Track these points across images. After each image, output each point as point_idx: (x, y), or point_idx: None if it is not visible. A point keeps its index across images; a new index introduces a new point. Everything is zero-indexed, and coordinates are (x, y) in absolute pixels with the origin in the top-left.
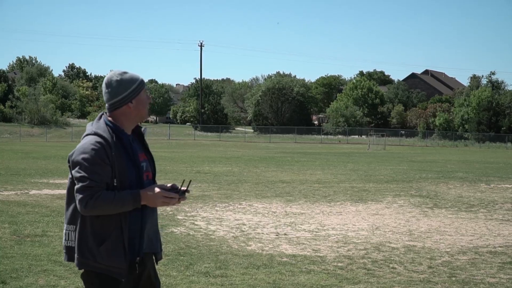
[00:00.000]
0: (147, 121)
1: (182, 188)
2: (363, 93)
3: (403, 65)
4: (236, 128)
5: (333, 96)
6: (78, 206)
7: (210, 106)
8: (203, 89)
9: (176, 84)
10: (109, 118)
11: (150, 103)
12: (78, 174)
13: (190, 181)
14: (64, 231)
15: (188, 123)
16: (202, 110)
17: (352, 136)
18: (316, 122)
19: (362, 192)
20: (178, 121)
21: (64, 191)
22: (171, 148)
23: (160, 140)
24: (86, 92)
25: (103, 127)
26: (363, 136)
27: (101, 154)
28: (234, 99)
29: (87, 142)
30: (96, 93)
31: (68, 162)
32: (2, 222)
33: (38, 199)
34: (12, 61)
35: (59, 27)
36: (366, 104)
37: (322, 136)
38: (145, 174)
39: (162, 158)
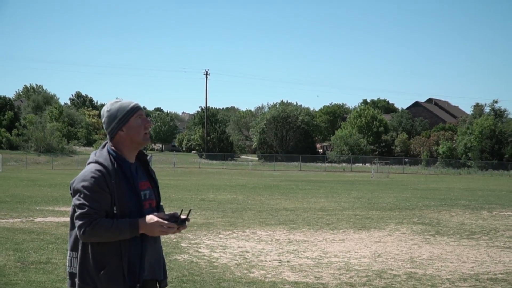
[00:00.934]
0: (152, 149)
1: (182, 217)
2: (367, 121)
3: (407, 93)
4: (241, 156)
5: (337, 125)
6: (77, 232)
7: (216, 134)
8: (209, 117)
9: (182, 113)
10: (112, 147)
11: (148, 127)
12: (78, 202)
13: (190, 210)
14: (67, 257)
15: (194, 151)
16: (208, 138)
17: (356, 164)
18: (320, 150)
19: (365, 220)
20: (184, 149)
21: (69, 219)
22: (176, 176)
23: (166, 168)
24: (92, 120)
25: (105, 156)
26: (367, 164)
27: (100, 182)
28: (239, 127)
29: (87, 170)
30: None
31: (70, 189)
32: (7, 249)
33: (43, 226)
34: (19, 89)
35: (66, 56)
36: (370, 132)
37: (327, 164)
38: (147, 202)
39: (167, 186)
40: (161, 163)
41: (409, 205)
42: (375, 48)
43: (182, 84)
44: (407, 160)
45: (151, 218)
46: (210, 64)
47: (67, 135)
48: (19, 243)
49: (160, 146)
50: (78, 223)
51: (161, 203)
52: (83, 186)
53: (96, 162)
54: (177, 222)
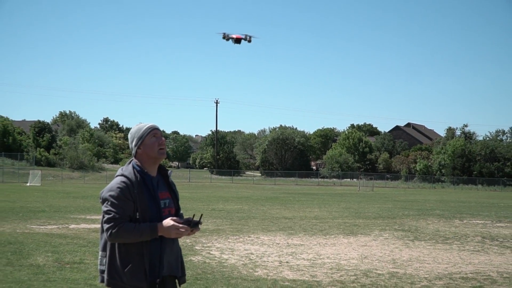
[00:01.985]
0: (170, 166)
1: (194, 220)
2: (354, 142)
3: (389, 118)
4: (246, 172)
5: (328, 145)
6: (105, 234)
7: (224, 154)
8: (218, 139)
9: (196, 135)
10: (136, 163)
11: (162, 144)
12: (105, 208)
13: (202, 214)
14: (99, 257)
15: (205, 168)
16: (218, 157)
17: (345, 179)
18: (314, 167)
19: (353, 227)
20: (197, 166)
21: (99, 226)
22: (191, 189)
23: (182, 182)
24: (119, 142)
25: (130, 170)
26: (354, 179)
27: (124, 192)
28: (244, 147)
29: (114, 182)
30: (127, 142)
31: (100, 198)
32: (46, 251)
33: (77, 232)
34: (55, 115)
35: (96, 85)
36: (356, 152)
37: (320, 179)
38: (167, 210)
39: (183, 198)
40: (178, 178)
41: (391, 214)
42: (361, 79)
43: (195, 110)
44: (388, 176)
45: (168, 222)
46: (220, 93)
47: (97, 154)
48: (56, 246)
49: (177, 164)
50: (105, 226)
51: (181, 212)
52: (110, 195)
53: (122, 175)
54: (190, 225)
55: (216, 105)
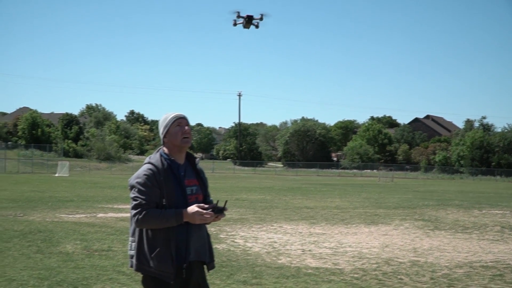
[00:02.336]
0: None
1: (219, 206)
2: (374, 134)
3: (408, 111)
4: (268, 163)
5: (349, 137)
6: (132, 220)
7: (247, 145)
8: (241, 131)
9: (219, 127)
10: (165, 151)
11: (186, 132)
12: (132, 195)
13: (226, 201)
14: (129, 242)
15: (229, 159)
16: (241, 149)
17: (365, 170)
18: (335, 159)
19: (374, 217)
20: (220, 157)
21: (126, 215)
22: (215, 180)
23: (206, 173)
24: (144, 133)
25: (157, 158)
26: (374, 170)
27: (151, 178)
28: (266, 139)
29: (141, 169)
30: (152, 134)
31: (128, 185)
32: (75, 239)
33: (105, 221)
34: (82, 108)
35: (121, 78)
36: (376, 144)
37: (340, 170)
38: (194, 196)
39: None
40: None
41: (411, 205)
42: (381, 72)
43: (219, 103)
44: (408, 167)
45: (192, 208)
46: (242, 86)
47: (123, 145)
48: (85, 234)
49: (201, 155)
50: (132, 212)
51: (210, 198)
52: (137, 182)
53: (149, 162)
54: (214, 211)
55: (239, 98)
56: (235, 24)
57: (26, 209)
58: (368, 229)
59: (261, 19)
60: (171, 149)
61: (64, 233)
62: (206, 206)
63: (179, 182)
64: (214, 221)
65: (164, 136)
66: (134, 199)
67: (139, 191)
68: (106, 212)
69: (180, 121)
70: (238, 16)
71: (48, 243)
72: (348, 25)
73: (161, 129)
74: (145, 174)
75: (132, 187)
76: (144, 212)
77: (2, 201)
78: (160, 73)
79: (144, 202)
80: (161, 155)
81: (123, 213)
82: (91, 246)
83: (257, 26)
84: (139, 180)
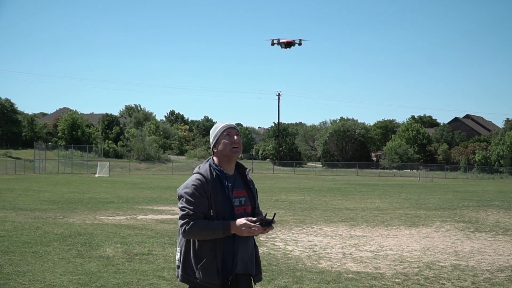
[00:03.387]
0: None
1: (267, 219)
2: (413, 134)
3: (448, 110)
4: (307, 163)
5: (388, 137)
6: (179, 230)
7: (286, 145)
8: (281, 131)
9: (258, 127)
10: (214, 161)
11: (235, 142)
12: (180, 205)
13: (275, 214)
14: (176, 252)
15: (268, 159)
16: (280, 149)
17: (405, 170)
18: (374, 159)
19: (414, 218)
20: (259, 157)
21: (166, 217)
22: (254, 180)
23: None
24: (184, 134)
25: (206, 168)
26: (414, 170)
27: (199, 189)
28: (306, 139)
29: (190, 179)
30: (192, 134)
31: (177, 195)
32: (115, 242)
33: (145, 223)
34: (122, 108)
35: (161, 79)
36: (416, 144)
37: (380, 170)
38: (242, 208)
39: None
40: None
41: (451, 206)
42: (421, 71)
43: (258, 103)
44: (448, 167)
45: (240, 220)
46: (281, 86)
47: (163, 146)
48: (125, 237)
49: (240, 155)
50: (180, 222)
51: (259, 210)
52: (185, 192)
53: (198, 173)
54: (262, 224)
55: (278, 98)
56: (272, 44)
57: (66, 211)
58: (408, 231)
59: (299, 44)
60: (221, 159)
61: (104, 236)
62: (254, 218)
63: (226, 193)
64: (262, 233)
65: (214, 146)
66: (182, 209)
67: (187, 201)
68: (146, 213)
69: (229, 131)
70: (278, 43)
71: (88, 247)
72: (388, 25)
73: (211, 138)
74: (193, 185)
75: (180, 197)
76: (191, 223)
77: (42, 203)
78: (199, 73)
79: (191, 212)
80: (210, 165)
81: (163, 214)
82: (132, 249)
83: (299, 44)
84: (187, 190)
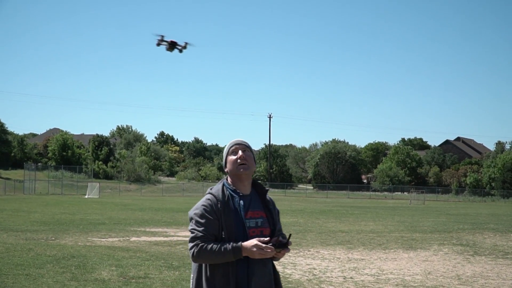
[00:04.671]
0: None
1: (281, 240)
2: (403, 157)
3: (439, 133)
4: (298, 185)
5: (379, 159)
6: (189, 254)
7: (277, 167)
8: (271, 153)
9: None
10: (228, 181)
11: (241, 158)
12: (190, 227)
13: (290, 234)
14: (190, 279)
15: (259, 181)
16: (271, 170)
17: (396, 193)
18: (365, 181)
19: (411, 241)
20: None
21: (159, 239)
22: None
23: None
24: (174, 155)
25: (218, 187)
26: (405, 193)
27: (209, 210)
28: (296, 161)
29: (201, 200)
30: (182, 155)
31: (188, 217)
32: (110, 265)
33: (138, 245)
34: (113, 129)
35: (151, 100)
36: (406, 166)
37: (371, 192)
38: (259, 230)
39: None
40: None
41: (446, 228)
42: (411, 94)
43: (248, 124)
44: (439, 189)
45: (251, 241)
46: (272, 107)
47: (153, 167)
48: (120, 259)
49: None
50: (189, 245)
51: (280, 232)
52: (194, 214)
53: (209, 193)
54: (275, 246)
55: (270, 120)
56: (158, 45)
57: (57, 232)
58: (407, 254)
59: (184, 47)
60: (233, 178)
61: (98, 259)
62: (266, 239)
63: (239, 214)
64: (278, 256)
65: (225, 165)
66: (191, 231)
67: (196, 223)
68: (139, 235)
69: (235, 148)
70: (162, 40)
71: (82, 269)
72: (379, 47)
73: (223, 158)
74: (203, 205)
75: (190, 219)
76: (200, 246)
77: (33, 224)
78: (190, 95)
79: (200, 234)
80: (223, 185)
81: (156, 236)
82: (127, 272)
83: (180, 51)
84: (196, 211)
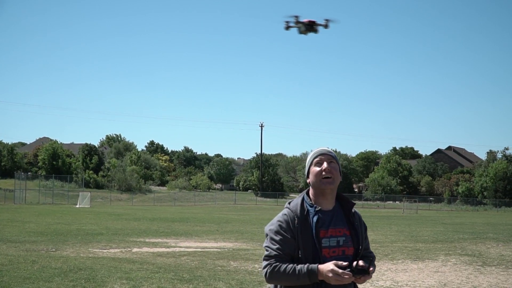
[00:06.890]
0: (214, 189)
1: (360, 265)
2: (394, 166)
3: (430, 142)
4: (290, 194)
5: (371, 168)
6: (261, 273)
7: (269, 176)
8: (263, 162)
9: (238, 158)
10: (309, 194)
11: (326, 171)
12: (264, 244)
13: (371, 259)
14: None
15: (250, 190)
16: (263, 179)
17: (388, 202)
18: (356, 190)
19: (416, 251)
20: (241, 188)
21: (162, 249)
22: (237, 212)
23: (227, 204)
24: (165, 164)
25: (297, 201)
26: (397, 202)
27: (283, 227)
28: (287, 170)
29: (277, 215)
30: (173, 164)
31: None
32: (120, 278)
33: (142, 256)
34: (102, 138)
35: (141, 109)
36: (398, 175)
37: (363, 201)
38: (340, 249)
39: (232, 220)
40: (224, 200)
41: (447, 238)
42: (403, 104)
43: (238, 133)
44: (431, 198)
45: (327, 265)
46: (263, 116)
47: (144, 176)
48: (128, 272)
49: (220, 186)
50: (263, 264)
51: (369, 253)
52: (269, 230)
53: (287, 207)
54: (354, 272)
55: (261, 129)
56: (287, 28)
57: (57, 243)
58: (416, 265)
59: (326, 25)
60: (315, 191)
61: (106, 271)
62: (345, 264)
63: (315, 232)
64: (358, 282)
65: (307, 176)
66: (265, 249)
67: (271, 240)
68: (140, 246)
69: (319, 159)
70: (297, 22)
71: (93, 283)
72: (371, 55)
73: (306, 169)
74: (279, 221)
75: (266, 235)
76: (273, 265)
77: (30, 234)
78: (180, 103)
79: (274, 253)
80: (303, 199)
81: (158, 247)
82: (139, 286)
83: (317, 31)
84: (272, 227)
